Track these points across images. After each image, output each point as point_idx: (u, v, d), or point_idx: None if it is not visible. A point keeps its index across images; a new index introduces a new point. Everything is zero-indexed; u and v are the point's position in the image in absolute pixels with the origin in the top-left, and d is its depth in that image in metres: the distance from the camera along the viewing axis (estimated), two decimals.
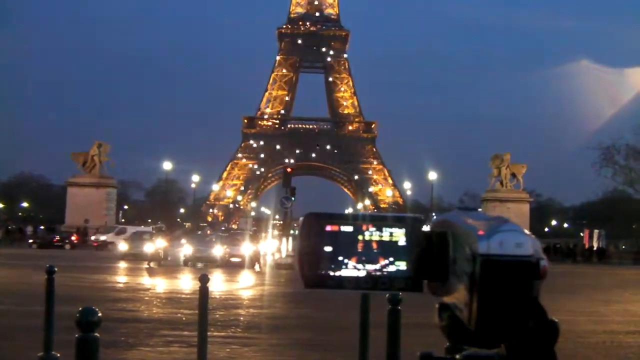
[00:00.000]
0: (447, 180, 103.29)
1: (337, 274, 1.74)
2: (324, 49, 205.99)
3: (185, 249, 40.64)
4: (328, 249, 1.74)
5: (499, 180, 68.09)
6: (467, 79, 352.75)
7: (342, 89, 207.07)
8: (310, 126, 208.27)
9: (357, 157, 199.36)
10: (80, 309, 3.84)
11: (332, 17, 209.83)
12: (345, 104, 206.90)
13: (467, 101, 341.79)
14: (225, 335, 14.04)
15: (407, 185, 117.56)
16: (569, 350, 14.42)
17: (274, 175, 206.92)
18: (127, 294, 23.34)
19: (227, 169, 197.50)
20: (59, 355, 9.33)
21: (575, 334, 16.32)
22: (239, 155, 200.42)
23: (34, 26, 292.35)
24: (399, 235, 1.79)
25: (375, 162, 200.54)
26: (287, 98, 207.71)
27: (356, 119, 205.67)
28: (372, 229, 1.78)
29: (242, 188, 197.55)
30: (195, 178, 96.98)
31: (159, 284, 27.40)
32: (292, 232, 63.52)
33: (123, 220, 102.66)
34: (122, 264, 38.79)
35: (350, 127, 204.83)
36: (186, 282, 29.20)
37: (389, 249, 1.78)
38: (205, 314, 8.67)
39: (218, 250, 39.84)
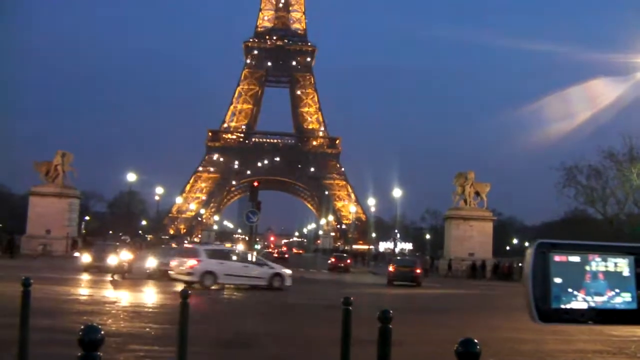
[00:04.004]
0: (409, 197, 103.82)
1: (568, 306, 1.70)
2: (290, 64, 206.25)
3: (150, 262, 40.17)
4: (558, 280, 1.70)
5: (462, 198, 68.42)
6: (432, 96, 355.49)
7: (308, 103, 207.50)
8: (275, 140, 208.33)
9: (321, 173, 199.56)
10: (82, 326, 3.73)
11: (299, 32, 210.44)
12: (310, 119, 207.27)
13: (432, 120, 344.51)
14: (195, 352, 13.85)
15: (370, 201, 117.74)
16: None
17: (237, 189, 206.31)
18: (92, 306, 23.00)
19: (191, 181, 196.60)
20: None
21: (545, 353, 16.43)
22: (203, 168, 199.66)
23: None
24: (623, 266, 1.76)
25: (338, 178, 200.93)
26: (252, 112, 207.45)
27: (320, 135, 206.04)
28: (597, 259, 1.76)
29: (205, 201, 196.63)
30: (159, 190, 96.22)
31: (124, 297, 27.02)
32: (256, 246, 63.31)
33: (84, 231, 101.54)
34: (85, 276, 38.25)
35: (314, 143, 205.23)
36: (151, 296, 28.90)
37: (614, 280, 1.75)
38: (185, 329, 8.56)
39: None
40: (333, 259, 67.23)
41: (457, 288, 46.92)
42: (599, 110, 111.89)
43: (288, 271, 35.03)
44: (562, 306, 1.70)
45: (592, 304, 1.72)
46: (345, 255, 75.96)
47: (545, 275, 1.70)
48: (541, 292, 1.69)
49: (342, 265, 63.36)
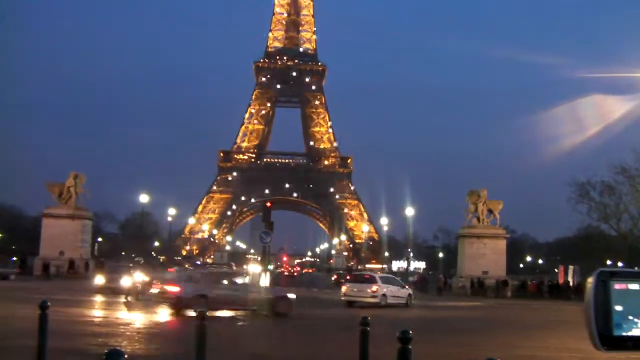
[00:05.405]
0: (421, 215, 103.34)
1: (630, 334, 1.72)
2: (300, 84, 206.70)
3: None
4: (618, 308, 1.72)
5: (475, 216, 68.03)
6: (443, 113, 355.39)
7: (319, 123, 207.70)
8: (286, 160, 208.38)
9: (333, 192, 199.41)
10: (106, 350, 3.73)
11: (310, 51, 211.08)
12: (321, 138, 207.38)
13: (443, 136, 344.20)
14: None
15: (383, 220, 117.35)
16: None
17: (250, 210, 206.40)
18: (107, 328, 22.98)
19: (203, 202, 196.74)
20: None
21: None
22: (215, 188, 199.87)
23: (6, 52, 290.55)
24: None
25: (350, 197, 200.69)
26: (263, 132, 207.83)
27: (332, 154, 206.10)
28: None
29: (218, 222, 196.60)
30: (172, 211, 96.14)
31: (138, 319, 26.99)
32: (269, 266, 63.20)
33: (97, 253, 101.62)
34: (98, 298, 38.25)
35: (326, 162, 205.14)
36: (165, 317, 28.84)
37: None
38: (203, 351, 8.54)
39: None
40: (335, 276, 78.66)
41: (472, 307, 46.69)
42: (608, 125, 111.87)
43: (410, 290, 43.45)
44: (624, 334, 1.72)
45: None
46: (344, 272, 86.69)
47: (606, 303, 1.72)
48: (603, 320, 1.71)
49: (343, 281, 69.32)
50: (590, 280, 1.79)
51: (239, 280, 31.48)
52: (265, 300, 29.36)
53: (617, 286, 1.76)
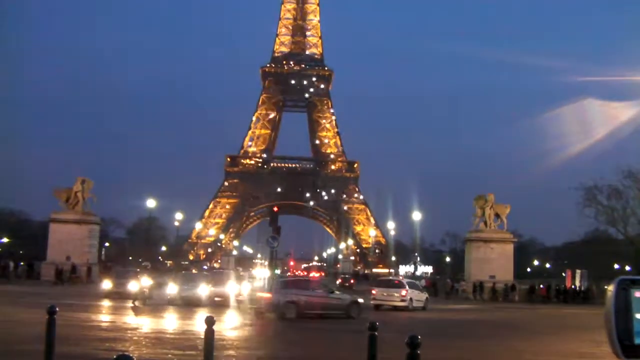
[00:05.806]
0: (428, 220, 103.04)
1: None
2: (307, 88, 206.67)
3: (170, 288, 40.17)
4: (639, 316, 1.71)
5: (482, 220, 67.84)
6: (450, 118, 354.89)
7: (325, 128, 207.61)
8: (293, 165, 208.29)
9: (340, 197, 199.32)
10: (115, 356, 3.73)
11: (316, 56, 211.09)
12: (328, 143, 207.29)
13: (449, 140, 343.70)
14: None
15: (390, 225, 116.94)
16: None
17: (257, 214, 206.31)
18: (114, 333, 22.97)
19: (210, 207, 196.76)
20: None
21: None
22: (222, 193, 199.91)
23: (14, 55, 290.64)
24: None
25: (357, 202, 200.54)
26: (270, 137, 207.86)
27: (339, 159, 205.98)
28: None
29: (225, 226, 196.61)
30: (179, 216, 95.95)
31: (146, 324, 27.00)
32: (276, 271, 63.18)
33: (104, 258, 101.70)
34: (106, 302, 38.28)
35: (332, 167, 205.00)
36: (172, 322, 28.88)
37: None
38: (210, 355, 8.52)
39: (203, 290, 39.34)
40: (340, 280, 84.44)
41: (476, 311, 46.62)
42: (615, 130, 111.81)
43: None
44: None
45: None
46: (349, 276, 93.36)
47: (627, 312, 1.70)
48: (624, 328, 1.69)
49: (347, 284, 77.33)
50: (611, 288, 1.77)
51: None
52: (344, 306, 32.81)
53: (638, 294, 1.74)
